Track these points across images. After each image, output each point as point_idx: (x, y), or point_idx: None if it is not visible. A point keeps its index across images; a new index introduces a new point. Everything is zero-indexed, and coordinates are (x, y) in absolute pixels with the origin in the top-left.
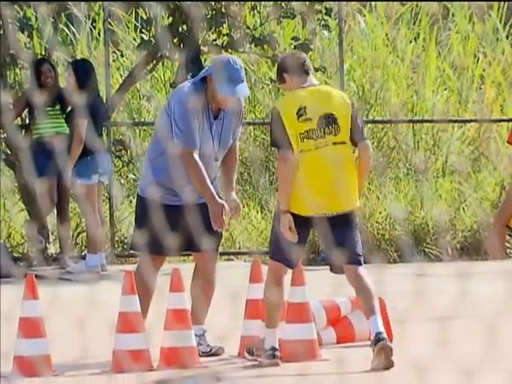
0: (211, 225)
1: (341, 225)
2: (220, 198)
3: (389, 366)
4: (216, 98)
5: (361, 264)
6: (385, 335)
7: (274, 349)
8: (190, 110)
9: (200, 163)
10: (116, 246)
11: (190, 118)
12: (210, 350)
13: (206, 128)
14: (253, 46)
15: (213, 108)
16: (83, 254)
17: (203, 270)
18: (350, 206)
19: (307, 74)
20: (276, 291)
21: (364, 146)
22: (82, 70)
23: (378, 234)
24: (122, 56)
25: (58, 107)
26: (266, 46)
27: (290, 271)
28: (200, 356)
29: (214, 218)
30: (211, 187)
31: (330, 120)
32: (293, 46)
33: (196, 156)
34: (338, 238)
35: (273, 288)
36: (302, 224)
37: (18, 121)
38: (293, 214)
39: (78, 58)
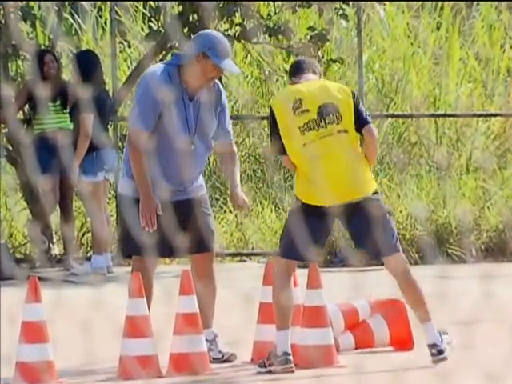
0: (203, 223)
1: (361, 213)
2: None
3: None
4: (206, 73)
5: (396, 251)
6: (439, 346)
7: (286, 354)
8: (153, 92)
9: (142, 153)
10: None
11: (149, 99)
12: (222, 357)
13: (180, 108)
14: (267, 36)
15: (188, 89)
16: (88, 254)
17: (202, 271)
18: (364, 193)
19: (303, 72)
20: (286, 292)
21: (368, 129)
22: (87, 62)
23: (398, 233)
24: (129, 47)
25: (58, 102)
26: (280, 37)
27: (304, 274)
28: (211, 362)
29: (145, 215)
30: (149, 181)
31: (330, 109)
32: (309, 36)
33: (143, 142)
34: (361, 227)
35: (282, 289)
36: (321, 216)
37: (20, 115)
38: (310, 206)
39: (83, 49)
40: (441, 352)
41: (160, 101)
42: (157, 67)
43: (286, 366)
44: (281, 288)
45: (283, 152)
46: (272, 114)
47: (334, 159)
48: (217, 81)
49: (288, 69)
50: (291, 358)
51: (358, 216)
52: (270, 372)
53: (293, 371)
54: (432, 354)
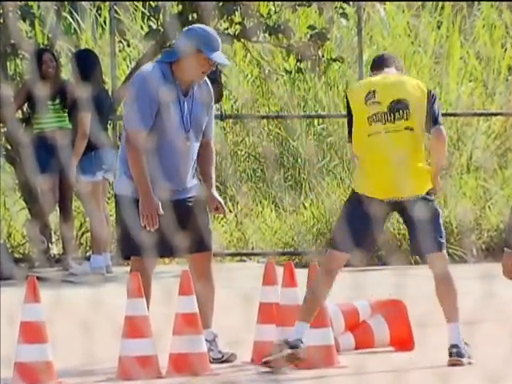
0: (202, 223)
1: (411, 211)
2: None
3: None
4: (200, 68)
5: (439, 250)
6: (460, 349)
7: (299, 340)
8: (150, 91)
9: (141, 152)
10: None
11: (146, 98)
12: (222, 357)
13: (175, 105)
14: (267, 35)
15: (181, 85)
16: (87, 254)
17: (201, 271)
18: (417, 192)
19: (386, 66)
20: (326, 290)
21: (436, 131)
22: (86, 61)
23: (398, 233)
24: (128, 46)
25: (57, 101)
26: (280, 36)
27: (304, 273)
28: (211, 362)
29: (146, 215)
30: (148, 180)
31: (401, 105)
32: (309, 35)
33: (142, 141)
34: (409, 224)
35: (324, 285)
36: (376, 207)
37: (19, 114)
38: (365, 197)
39: (82, 48)
40: (460, 355)
41: (156, 99)
42: (150, 66)
43: (296, 350)
44: (323, 284)
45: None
46: (347, 102)
47: (395, 155)
48: (206, 78)
49: (371, 61)
50: (303, 345)
51: (409, 214)
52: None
53: (299, 359)
54: (450, 354)
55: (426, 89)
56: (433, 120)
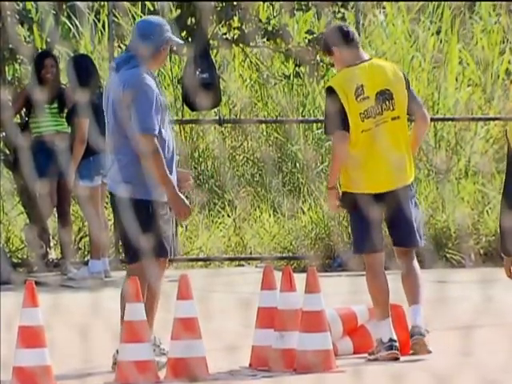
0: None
1: (399, 200)
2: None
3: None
4: (166, 56)
5: (418, 245)
6: (420, 329)
7: (392, 340)
8: (153, 91)
9: (162, 155)
10: (120, 251)
11: (154, 100)
12: None
13: (162, 100)
14: (265, 39)
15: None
16: (86, 259)
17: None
18: (408, 180)
19: (357, 46)
20: (381, 283)
21: (422, 115)
22: (81, 66)
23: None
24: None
25: (55, 105)
26: (279, 40)
27: (302, 278)
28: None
29: (181, 213)
30: (173, 179)
31: (386, 96)
32: (307, 40)
33: (156, 144)
34: (398, 214)
35: (372, 279)
36: (372, 203)
37: (17, 118)
38: (361, 195)
39: (78, 53)
40: (421, 334)
41: (159, 98)
42: (137, 70)
43: (392, 351)
44: (374, 279)
45: (348, 129)
46: (334, 95)
47: (387, 146)
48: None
49: (334, 35)
50: (397, 344)
51: (397, 204)
52: (376, 360)
53: (398, 358)
54: (413, 334)
55: (402, 74)
56: (417, 104)
